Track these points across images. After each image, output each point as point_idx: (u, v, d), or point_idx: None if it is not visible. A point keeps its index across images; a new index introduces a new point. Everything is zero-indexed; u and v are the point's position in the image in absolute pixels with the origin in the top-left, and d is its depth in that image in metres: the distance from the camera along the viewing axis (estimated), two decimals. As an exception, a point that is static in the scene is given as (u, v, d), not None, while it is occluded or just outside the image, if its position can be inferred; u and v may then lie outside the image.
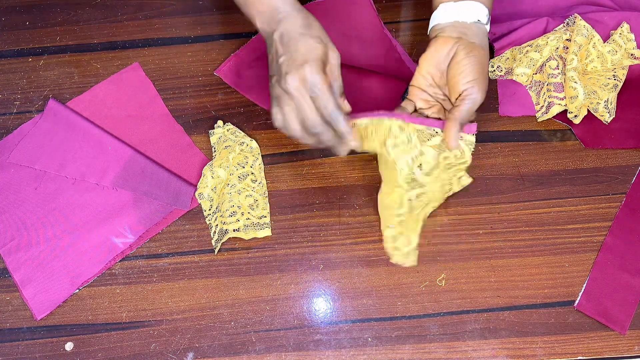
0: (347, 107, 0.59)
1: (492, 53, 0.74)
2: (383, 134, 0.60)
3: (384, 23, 0.78)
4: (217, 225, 0.67)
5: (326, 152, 0.71)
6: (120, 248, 0.66)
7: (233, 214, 0.67)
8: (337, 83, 0.57)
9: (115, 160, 0.70)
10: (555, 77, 0.70)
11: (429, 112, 0.63)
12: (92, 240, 0.66)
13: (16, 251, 0.66)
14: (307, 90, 0.54)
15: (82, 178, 0.69)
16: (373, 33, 0.77)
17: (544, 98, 0.71)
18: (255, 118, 0.73)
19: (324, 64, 0.55)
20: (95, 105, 0.74)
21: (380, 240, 0.65)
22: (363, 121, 0.60)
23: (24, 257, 0.66)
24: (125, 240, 0.66)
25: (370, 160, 0.70)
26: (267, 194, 0.69)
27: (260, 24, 0.59)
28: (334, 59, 0.57)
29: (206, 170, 0.67)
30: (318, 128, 0.55)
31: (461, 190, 0.67)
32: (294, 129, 0.56)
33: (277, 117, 0.57)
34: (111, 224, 0.67)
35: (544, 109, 0.71)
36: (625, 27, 0.72)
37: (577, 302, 0.62)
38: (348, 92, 0.72)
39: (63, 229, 0.67)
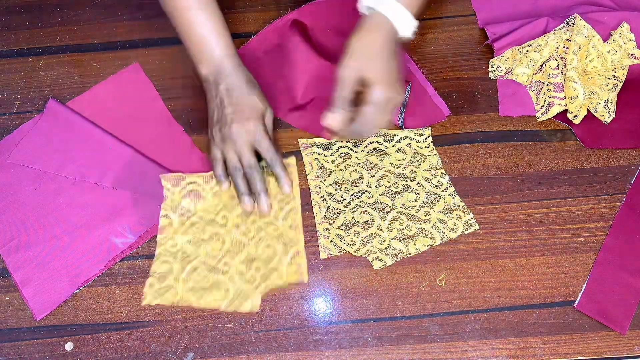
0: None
1: (492, 53, 0.75)
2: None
3: (384, 23, 0.78)
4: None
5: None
6: (120, 248, 0.66)
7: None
8: (270, 137, 0.66)
9: (116, 160, 0.70)
10: (555, 77, 0.70)
11: None
12: (92, 240, 0.66)
13: (16, 251, 0.66)
14: (250, 138, 0.64)
15: (83, 178, 0.69)
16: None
17: (544, 98, 0.71)
18: (255, 118, 0.73)
19: (263, 118, 0.65)
20: (95, 105, 0.74)
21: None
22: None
23: (24, 257, 0.66)
24: (125, 240, 0.66)
25: (370, 160, 0.70)
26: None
27: (205, 71, 0.67)
28: (270, 116, 0.67)
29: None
30: (253, 169, 0.64)
31: (457, 191, 0.67)
32: (231, 166, 0.64)
33: (217, 156, 0.65)
34: (111, 224, 0.67)
35: (544, 109, 0.71)
36: (625, 27, 0.72)
37: (577, 302, 0.62)
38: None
39: (63, 229, 0.67)
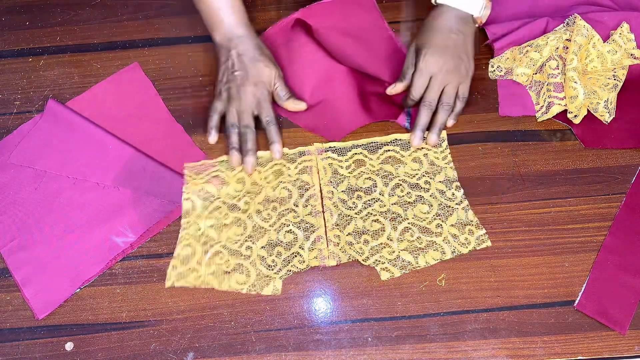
0: (300, 104, 0.72)
1: (492, 53, 0.75)
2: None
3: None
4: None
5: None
6: (121, 247, 0.66)
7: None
8: (283, 92, 0.71)
9: (116, 159, 0.70)
10: (555, 77, 0.70)
11: None
12: (93, 240, 0.66)
13: (17, 251, 0.66)
14: (254, 102, 0.69)
15: (83, 177, 0.70)
16: (378, 34, 0.77)
17: (544, 98, 0.71)
18: (255, 118, 0.73)
19: (269, 83, 0.70)
20: (95, 105, 0.74)
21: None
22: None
23: (25, 257, 0.66)
24: (126, 239, 0.66)
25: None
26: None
27: (219, 38, 0.72)
28: (280, 81, 0.71)
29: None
30: (248, 129, 0.69)
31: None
32: (230, 121, 0.69)
33: (218, 108, 0.71)
34: (112, 223, 0.67)
35: (544, 109, 0.71)
36: (625, 27, 0.72)
37: (577, 302, 0.62)
38: (352, 93, 0.72)
39: (64, 228, 0.67)
